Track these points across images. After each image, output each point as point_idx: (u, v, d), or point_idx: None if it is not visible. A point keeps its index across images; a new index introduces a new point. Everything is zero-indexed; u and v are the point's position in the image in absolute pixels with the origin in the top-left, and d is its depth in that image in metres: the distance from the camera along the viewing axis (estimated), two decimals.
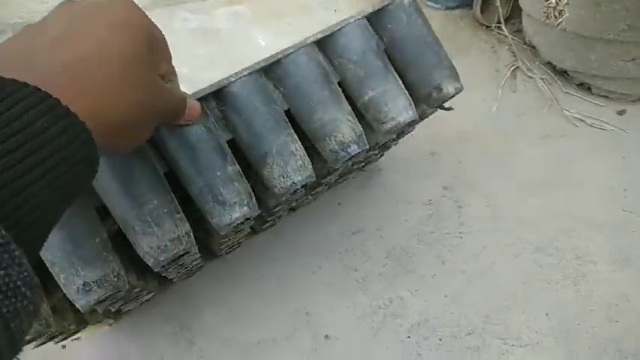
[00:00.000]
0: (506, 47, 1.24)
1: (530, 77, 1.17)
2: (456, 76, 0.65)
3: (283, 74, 0.57)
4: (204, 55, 1.21)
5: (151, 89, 0.36)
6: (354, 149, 0.56)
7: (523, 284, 0.87)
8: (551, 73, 1.17)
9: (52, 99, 0.26)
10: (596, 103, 1.11)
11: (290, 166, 0.54)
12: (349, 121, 0.57)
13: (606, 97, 1.12)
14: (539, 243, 0.91)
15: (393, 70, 0.61)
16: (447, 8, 1.32)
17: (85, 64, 0.30)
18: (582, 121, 1.08)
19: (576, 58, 1.06)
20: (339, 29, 0.59)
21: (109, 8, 0.34)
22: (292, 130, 0.56)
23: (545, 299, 0.86)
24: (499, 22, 1.25)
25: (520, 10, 1.17)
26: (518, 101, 1.13)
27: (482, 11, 1.26)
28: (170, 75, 0.43)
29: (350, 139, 0.56)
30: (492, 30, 1.27)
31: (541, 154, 1.04)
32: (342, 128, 0.56)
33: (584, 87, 1.13)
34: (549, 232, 0.93)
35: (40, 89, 0.26)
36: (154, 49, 0.37)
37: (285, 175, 0.54)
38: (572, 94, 1.13)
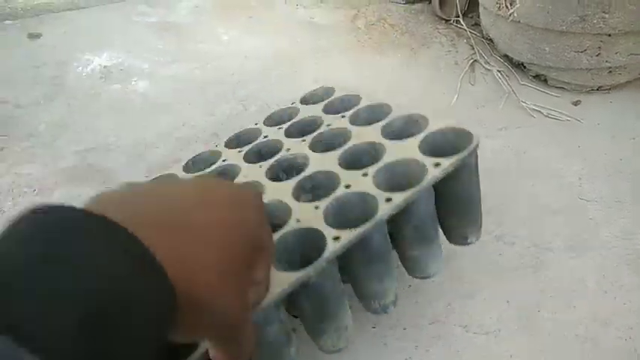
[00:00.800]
0: (465, 40, 1.26)
1: (488, 70, 1.19)
2: (479, 228, 0.72)
3: (353, 254, 0.60)
4: (165, 51, 1.19)
5: (238, 294, 0.33)
6: (391, 309, 0.64)
7: (484, 272, 0.89)
8: (508, 66, 1.19)
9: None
10: (552, 95, 1.14)
11: (341, 338, 0.62)
12: (395, 287, 0.63)
13: (562, 88, 1.15)
14: (498, 232, 0.93)
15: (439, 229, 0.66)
16: (408, 2, 1.33)
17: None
18: (539, 112, 1.11)
19: (531, 50, 1.09)
20: (411, 204, 0.62)
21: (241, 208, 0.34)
22: (348, 306, 0.61)
23: (505, 287, 0.87)
24: (457, 16, 1.27)
25: (477, 3, 1.19)
26: (476, 94, 1.15)
27: (441, 5, 1.28)
28: (259, 289, 0.41)
29: (390, 302, 0.64)
30: (451, 24, 1.29)
31: (499, 145, 1.06)
32: (388, 295, 0.63)
33: (541, 79, 1.16)
34: (508, 221, 0.95)
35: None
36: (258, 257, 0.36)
37: (335, 345, 0.62)
38: (529, 86, 1.16)
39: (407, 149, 0.68)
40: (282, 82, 1.13)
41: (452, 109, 1.11)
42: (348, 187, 0.66)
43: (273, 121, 0.89)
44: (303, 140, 0.79)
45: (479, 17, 1.24)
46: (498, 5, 1.04)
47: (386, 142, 0.70)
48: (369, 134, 0.74)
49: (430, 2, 1.29)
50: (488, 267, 0.89)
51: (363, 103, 0.84)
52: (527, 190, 0.99)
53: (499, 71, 1.18)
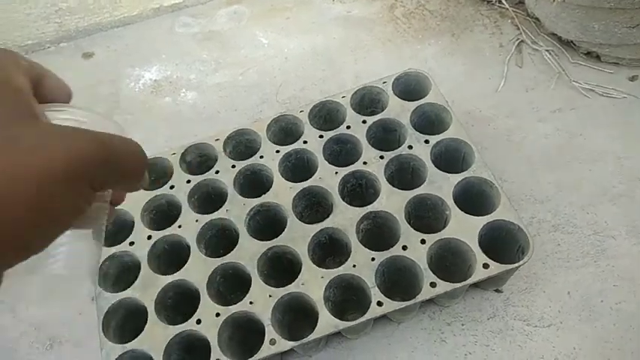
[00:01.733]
0: (509, 21, 1.21)
1: (536, 50, 1.15)
2: None
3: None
4: (209, 60, 1.22)
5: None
6: None
7: (543, 264, 0.87)
8: (557, 44, 1.15)
9: None
10: (606, 71, 1.09)
11: None
12: None
13: (616, 63, 1.09)
14: (555, 221, 0.91)
15: None
16: None
17: None
18: (592, 91, 1.06)
19: (580, 28, 1.04)
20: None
21: None
22: None
23: (565, 278, 0.85)
24: None
25: None
26: (525, 76, 1.11)
27: None
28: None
29: None
30: (494, 4, 1.25)
31: (552, 129, 1.02)
32: None
33: (592, 55, 1.11)
34: (565, 209, 0.92)
35: None
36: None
37: None
38: (581, 64, 1.11)
39: (466, 230, 0.75)
40: (323, 82, 1.14)
41: (500, 95, 1.08)
42: (405, 248, 0.72)
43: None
44: (382, 157, 0.81)
45: None
46: None
47: (454, 209, 0.77)
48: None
49: None
50: (546, 258, 0.87)
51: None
52: (585, 174, 0.96)
53: (548, 50, 1.14)
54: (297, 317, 0.75)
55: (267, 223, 0.82)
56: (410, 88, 0.94)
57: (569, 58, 1.12)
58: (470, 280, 0.70)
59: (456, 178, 0.79)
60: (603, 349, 0.79)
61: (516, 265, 0.71)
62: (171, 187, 0.83)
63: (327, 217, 0.78)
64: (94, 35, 1.29)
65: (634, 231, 0.89)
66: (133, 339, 0.68)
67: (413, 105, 0.89)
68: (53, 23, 1.23)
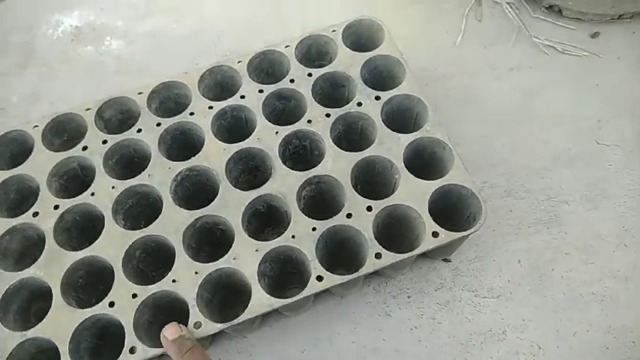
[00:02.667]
0: None
1: (497, 2, 1.08)
2: None
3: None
4: (139, 4, 1.09)
5: None
6: None
7: (493, 231, 0.82)
8: None
9: None
10: (568, 27, 1.03)
11: None
12: None
13: (578, 19, 1.03)
14: (508, 186, 0.86)
15: None
16: None
17: None
18: (553, 47, 1.01)
19: None
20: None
21: None
22: None
23: (516, 246, 0.81)
24: None
25: None
26: (483, 31, 1.04)
27: None
28: None
29: None
30: None
31: (509, 88, 0.96)
32: None
33: (554, 10, 1.05)
34: (519, 172, 0.87)
35: None
36: None
37: None
38: (542, 19, 1.05)
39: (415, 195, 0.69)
40: (267, 31, 1.03)
41: (456, 50, 1.01)
42: (349, 216, 0.67)
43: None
44: (328, 115, 0.73)
45: None
46: None
47: (403, 173, 0.71)
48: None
49: None
50: (497, 225, 0.83)
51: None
52: (540, 136, 0.91)
53: (508, 3, 1.07)
54: (228, 295, 0.68)
55: (197, 190, 0.73)
56: (362, 39, 0.86)
57: (530, 12, 1.05)
58: (417, 251, 0.65)
59: (407, 139, 0.73)
60: (553, 320, 0.76)
61: (467, 232, 0.66)
62: (84, 148, 0.73)
63: (266, 182, 0.70)
64: None
65: (588, 196, 0.85)
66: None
67: (364, 57, 0.81)
68: None
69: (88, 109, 0.76)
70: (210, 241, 0.70)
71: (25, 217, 0.67)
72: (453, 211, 0.71)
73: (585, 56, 0.99)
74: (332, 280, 0.63)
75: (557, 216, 0.84)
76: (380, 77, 0.81)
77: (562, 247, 0.81)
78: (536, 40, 1.01)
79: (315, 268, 0.63)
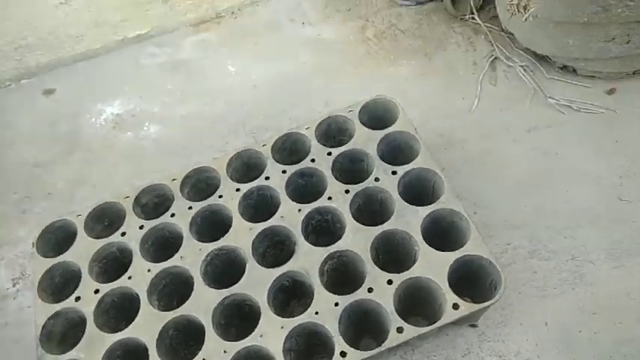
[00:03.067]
0: (483, 37, 1.18)
1: (510, 66, 1.11)
2: None
3: None
4: (175, 91, 1.18)
5: None
6: None
7: (519, 294, 0.83)
8: (532, 59, 1.11)
9: None
10: (583, 85, 1.05)
11: None
12: None
13: (593, 77, 1.06)
14: (531, 247, 0.87)
15: None
16: (418, 4, 1.27)
17: None
18: (569, 107, 1.03)
19: (554, 44, 1.01)
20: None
21: None
22: None
23: (542, 308, 0.81)
24: (472, 12, 1.19)
25: None
26: (499, 94, 1.08)
27: (453, 2, 1.21)
28: None
29: None
30: (467, 21, 1.22)
31: (528, 149, 0.99)
32: None
33: (569, 69, 1.07)
34: (542, 233, 0.88)
35: None
36: None
37: None
38: (556, 79, 1.07)
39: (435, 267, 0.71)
40: (292, 109, 1.10)
41: (473, 115, 1.05)
42: (370, 290, 0.69)
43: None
44: (347, 191, 0.78)
45: (496, 9, 1.16)
46: (511, 12, 0.97)
47: (422, 246, 0.73)
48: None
49: (442, 0, 1.22)
50: (522, 287, 0.83)
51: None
52: (562, 196, 0.92)
53: (522, 66, 1.10)
54: None
55: (226, 267, 0.78)
56: (378, 115, 0.91)
57: (544, 73, 1.09)
58: (439, 324, 0.67)
59: (424, 211, 0.76)
60: None
61: (487, 304, 0.68)
62: (123, 233, 0.79)
63: (291, 257, 0.74)
64: (56, 71, 1.26)
65: (613, 254, 0.85)
66: None
67: (380, 134, 0.85)
68: (12, 60, 1.19)
69: (126, 197, 0.82)
70: (238, 316, 0.74)
71: (69, 302, 0.73)
72: (476, 278, 0.73)
73: (602, 113, 1.01)
74: (355, 355, 0.65)
75: (583, 276, 0.84)
76: (396, 151, 0.85)
77: (589, 307, 0.81)
78: (551, 101, 1.04)
79: (339, 344, 0.66)
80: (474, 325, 0.81)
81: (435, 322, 0.67)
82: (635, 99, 1.02)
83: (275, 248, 0.82)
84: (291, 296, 0.79)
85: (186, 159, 0.86)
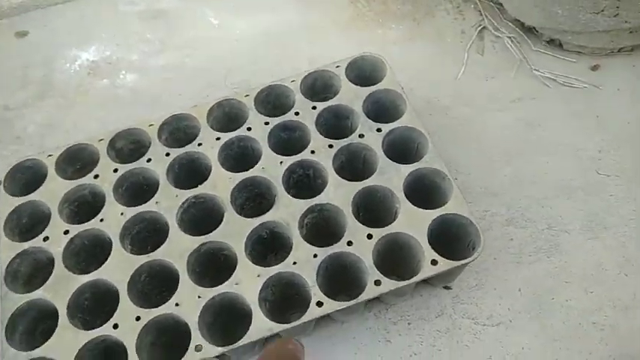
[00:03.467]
0: (472, 6, 1.17)
1: (498, 37, 1.11)
2: None
3: None
4: (154, 40, 1.14)
5: None
6: None
7: (494, 260, 0.83)
8: (520, 31, 1.11)
9: None
10: (568, 60, 1.06)
11: None
12: None
13: (578, 52, 1.06)
14: (509, 215, 0.87)
15: None
16: None
17: None
18: (553, 80, 1.03)
19: (543, 14, 1.00)
20: None
21: None
22: None
23: (517, 274, 0.82)
24: None
25: None
26: (485, 64, 1.07)
27: None
28: None
29: None
30: None
31: (511, 120, 0.98)
32: None
33: (555, 43, 1.07)
34: (520, 202, 0.89)
35: None
36: None
37: None
38: (543, 52, 1.07)
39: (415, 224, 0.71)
40: (275, 66, 1.07)
41: (459, 83, 1.04)
42: (350, 244, 0.69)
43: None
44: (330, 146, 0.76)
45: None
46: None
47: (404, 203, 0.73)
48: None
49: None
50: (498, 254, 0.84)
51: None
52: (542, 167, 0.92)
53: (510, 37, 1.10)
54: (230, 319, 0.69)
55: (204, 217, 0.76)
56: (365, 73, 0.89)
57: (531, 45, 1.08)
58: (416, 278, 0.66)
59: (407, 169, 0.75)
60: (552, 348, 0.76)
61: (465, 261, 0.67)
62: (96, 176, 0.76)
63: (270, 210, 0.73)
64: (30, 13, 1.20)
65: (589, 225, 0.86)
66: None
67: (366, 91, 0.84)
68: None
69: (100, 140, 0.79)
70: (214, 266, 0.72)
71: (36, 241, 0.70)
72: (455, 238, 0.72)
73: (586, 88, 1.01)
74: (332, 306, 0.64)
75: (558, 245, 0.84)
76: (382, 110, 0.84)
77: (562, 275, 0.82)
78: (537, 73, 1.04)
79: (316, 294, 0.65)
80: (447, 287, 0.81)
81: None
82: (619, 76, 1.03)
83: (254, 201, 0.81)
84: (268, 250, 0.78)
85: (164, 110, 0.83)
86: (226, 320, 0.70)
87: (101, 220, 0.71)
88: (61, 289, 0.65)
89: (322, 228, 0.76)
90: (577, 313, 0.78)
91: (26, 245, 0.69)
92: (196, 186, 0.75)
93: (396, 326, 0.78)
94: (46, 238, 0.70)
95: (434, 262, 0.67)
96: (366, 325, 0.78)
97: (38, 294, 0.65)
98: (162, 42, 1.14)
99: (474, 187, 0.90)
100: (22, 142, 1.00)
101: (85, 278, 0.66)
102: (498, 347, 0.76)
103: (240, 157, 0.82)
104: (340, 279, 0.71)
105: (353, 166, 0.81)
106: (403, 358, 0.76)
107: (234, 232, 0.70)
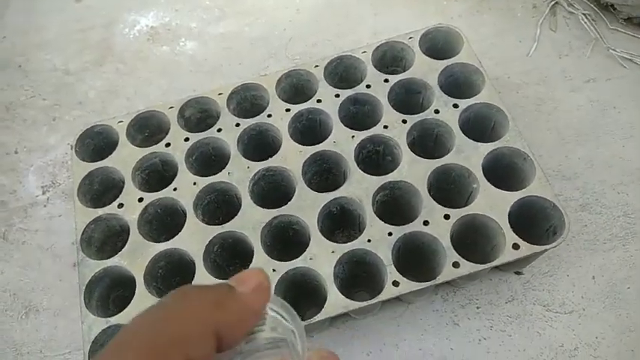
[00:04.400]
0: None
1: (572, 13, 1.05)
2: None
3: None
4: (213, 7, 1.11)
5: None
6: None
7: (567, 246, 0.80)
8: (596, 8, 1.05)
9: None
10: None
11: None
12: None
13: None
14: (583, 200, 0.84)
15: None
16: None
17: None
18: (630, 60, 0.97)
19: None
20: None
21: None
22: None
23: (591, 261, 0.79)
24: None
25: None
26: (558, 41, 1.02)
27: None
28: None
29: None
30: None
31: (585, 100, 0.94)
32: None
33: (633, 22, 1.01)
34: (595, 187, 0.85)
35: None
36: None
37: None
38: (620, 31, 1.01)
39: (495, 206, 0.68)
40: (338, 38, 1.04)
41: (531, 60, 0.99)
42: (426, 223, 0.65)
43: None
44: (404, 122, 0.73)
45: None
46: None
47: (483, 183, 0.70)
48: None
49: None
50: (572, 240, 0.81)
51: None
52: (617, 151, 0.88)
53: (584, 14, 1.04)
54: (300, 294, 0.68)
55: (273, 190, 0.74)
56: (438, 46, 0.85)
57: (607, 23, 1.02)
58: (497, 262, 0.64)
59: (486, 148, 0.72)
60: (628, 338, 0.73)
61: (549, 246, 0.65)
62: (167, 144, 0.75)
63: (339, 185, 0.70)
64: None
65: None
66: (119, 312, 0.62)
67: (441, 64, 0.80)
68: None
69: (171, 107, 0.78)
70: (282, 239, 0.71)
71: (111, 208, 0.69)
72: (532, 223, 0.69)
73: None
74: (408, 286, 0.62)
75: (634, 233, 0.81)
76: (457, 85, 0.81)
77: (638, 264, 0.78)
78: (613, 53, 0.98)
79: (391, 273, 0.63)
80: (519, 273, 0.78)
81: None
82: None
83: (321, 176, 0.79)
84: (336, 225, 0.76)
85: (225, 79, 0.81)
86: (296, 295, 0.69)
87: (174, 189, 0.70)
88: (137, 255, 0.65)
89: (393, 207, 0.74)
90: None
91: (100, 211, 0.69)
92: (264, 158, 0.73)
93: (465, 310, 0.76)
94: (120, 205, 0.69)
95: (515, 247, 0.64)
96: (433, 307, 0.77)
97: (114, 261, 0.65)
98: (222, 9, 1.11)
99: (545, 169, 0.86)
100: (84, 107, 0.99)
101: (161, 247, 0.66)
102: (571, 335, 0.74)
103: (307, 129, 0.80)
104: (411, 260, 0.69)
105: (424, 143, 0.79)
106: (472, 341, 0.74)
107: (305, 206, 0.69)
